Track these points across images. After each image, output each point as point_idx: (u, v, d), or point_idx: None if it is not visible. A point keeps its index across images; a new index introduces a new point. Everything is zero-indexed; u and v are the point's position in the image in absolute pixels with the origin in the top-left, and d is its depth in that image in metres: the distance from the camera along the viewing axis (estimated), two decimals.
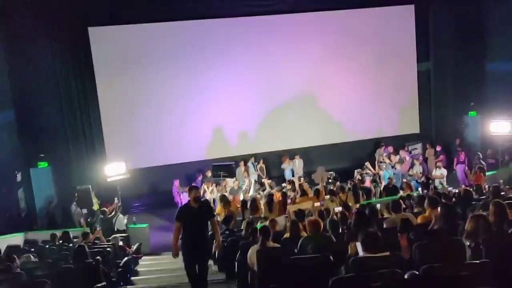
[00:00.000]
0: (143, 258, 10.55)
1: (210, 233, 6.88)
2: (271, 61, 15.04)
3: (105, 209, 10.76)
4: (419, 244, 4.19)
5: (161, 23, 14.33)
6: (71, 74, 13.63)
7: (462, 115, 15.73)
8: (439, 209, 6.03)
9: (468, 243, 4.33)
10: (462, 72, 15.53)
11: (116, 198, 11.47)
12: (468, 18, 15.40)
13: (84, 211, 11.77)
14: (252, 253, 5.53)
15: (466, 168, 11.84)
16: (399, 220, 6.15)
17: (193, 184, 7.16)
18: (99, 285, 5.70)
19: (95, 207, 11.42)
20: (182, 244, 6.43)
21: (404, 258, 4.49)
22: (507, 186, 9.38)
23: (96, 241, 9.34)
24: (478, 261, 3.48)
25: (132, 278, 8.40)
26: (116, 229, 11.03)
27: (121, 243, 9.51)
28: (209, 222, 6.66)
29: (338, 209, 7.96)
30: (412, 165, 13.64)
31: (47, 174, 13.56)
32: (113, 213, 11.10)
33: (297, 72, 15.17)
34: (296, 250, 5.20)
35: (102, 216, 10.61)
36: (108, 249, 7.44)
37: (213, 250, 7.53)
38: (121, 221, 11.33)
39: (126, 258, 8.55)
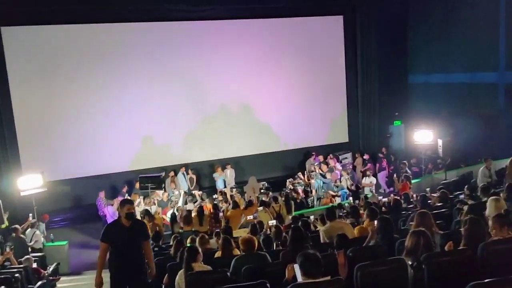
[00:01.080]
0: (61, 279, 9.52)
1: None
2: (201, 68, 14.54)
3: (16, 226, 9.58)
4: (361, 266, 3.84)
5: (82, 25, 13.37)
6: None
7: (387, 124, 16.12)
8: (375, 222, 5.84)
9: (410, 262, 4.05)
10: (387, 83, 15.94)
11: (30, 214, 10.30)
12: (393, 33, 15.90)
13: None
14: (179, 278, 4.94)
15: (395, 176, 12.00)
16: (336, 229, 5.89)
17: (126, 197, 6.05)
18: None
19: (4, 224, 10.17)
20: (110, 269, 5.38)
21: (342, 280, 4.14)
22: (433, 194, 9.49)
23: (6, 263, 8.25)
24: None
25: None
26: (31, 249, 9.90)
27: (35, 264, 8.46)
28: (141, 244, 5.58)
29: (272, 222, 7.56)
30: (340, 176, 13.64)
31: None
32: (27, 230, 9.94)
33: (228, 81, 14.80)
34: (228, 273, 4.67)
35: (14, 234, 9.43)
36: (16, 274, 6.47)
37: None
38: (38, 238, 10.18)
39: (40, 283, 7.60)
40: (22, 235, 9.59)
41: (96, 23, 13.47)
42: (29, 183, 10.85)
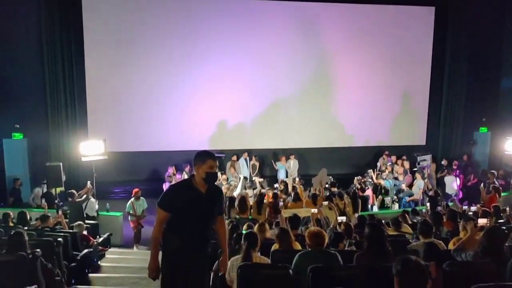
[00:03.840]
0: (112, 250, 9.04)
1: None
2: (277, 51, 13.62)
3: (73, 191, 9.23)
4: None
5: None
6: (57, 41, 12.15)
7: (472, 131, 14.39)
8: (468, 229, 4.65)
9: None
10: (476, 86, 14.27)
11: (89, 182, 9.94)
12: (487, 31, 14.12)
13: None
14: (232, 266, 4.08)
15: (481, 186, 10.46)
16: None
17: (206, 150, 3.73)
18: (32, 287, 4.21)
19: (60, 188, 9.89)
20: (165, 249, 3.63)
21: None
22: None
23: (57, 226, 7.86)
24: None
25: (91, 274, 6.91)
26: (85, 215, 9.55)
27: (85, 232, 7.99)
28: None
29: (342, 218, 6.51)
30: (413, 179, 12.26)
31: (21, 147, 12.16)
32: (83, 197, 9.58)
33: (304, 66, 13.80)
34: (291, 271, 3.74)
35: (70, 199, 9.07)
36: (59, 239, 5.94)
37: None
38: (92, 205, 9.81)
39: (86, 251, 7.06)
40: (78, 200, 9.22)
41: None
42: (90, 149, 10.53)
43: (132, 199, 9.80)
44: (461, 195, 12.18)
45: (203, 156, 3.55)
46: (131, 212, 9.73)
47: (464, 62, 14.34)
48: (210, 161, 3.52)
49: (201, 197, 3.52)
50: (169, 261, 3.57)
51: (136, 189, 9.95)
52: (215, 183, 3.75)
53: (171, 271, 3.56)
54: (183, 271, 3.57)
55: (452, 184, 12.03)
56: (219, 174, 11.36)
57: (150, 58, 13.03)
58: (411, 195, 11.57)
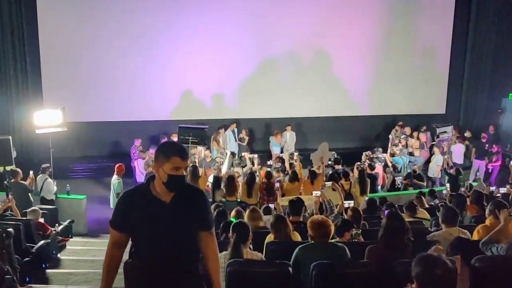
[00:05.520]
0: (74, 241, 8.98)
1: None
2: (265, 5, 13.32)
3: (17, 169, 9.07)
4: None
5: None
6: None
7: (500, 97, 14.37)
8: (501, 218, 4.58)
9: None
10: (506, 45, 14.24)
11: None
12: None
13: None
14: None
15: (511, 163, 10.45)
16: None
17: (165, 140, 2.82)
18: None
19: (11, 166, 9.69)
20: (128, 284, 3.05)
21: None
22: None
23: (6, 213, 7.72)
24: None
25: (49, 270, 6.82)
26: (42, 198, 9.43)
27: (42, 219, 7.86)
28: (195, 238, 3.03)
29: (349, 202, 6.45)
30: (431, 154, 12.28)
31: None
32: (38, 177, 9.41)
33: (301, 22, 13.55)
34: (290, 268, 3.64)
35: (13, 180, 8.88)
36: (9, 229, 5.78)
37: None
38: (50, 187, 9.63)
39: (42, 242, 6.96)
40: (23, 181, 9.04)
41: None
42: (46, 120, 10.30)
43: (116, 176, 9.73)
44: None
45: (167, 150, 2.83)
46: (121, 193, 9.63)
47: (492, 18, 14.24)
48: (176, 159, 2.77)
49: (162, 208, 2.84)
50: None
51: (120, 164, 9.92)
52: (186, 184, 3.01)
53: None
54: None
55: (459, 153, 12.19)
56: (202, 149, 11.25)
57: (115, 13, 12.75)
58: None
